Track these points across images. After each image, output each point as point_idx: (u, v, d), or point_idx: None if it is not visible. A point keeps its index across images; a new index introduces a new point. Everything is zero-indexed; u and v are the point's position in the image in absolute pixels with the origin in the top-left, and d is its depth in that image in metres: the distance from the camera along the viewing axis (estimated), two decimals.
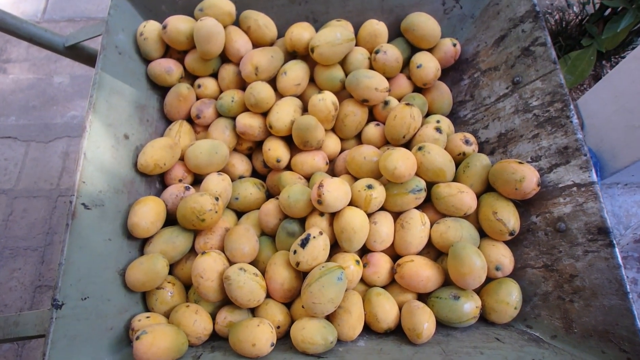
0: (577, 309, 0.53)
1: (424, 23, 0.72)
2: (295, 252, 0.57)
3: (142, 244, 0.65)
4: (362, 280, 0.62)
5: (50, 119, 1.29)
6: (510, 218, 0.59)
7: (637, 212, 1.10)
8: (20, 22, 0.68)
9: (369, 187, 0.61)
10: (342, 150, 0.74)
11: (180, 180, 0.68)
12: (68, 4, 1.52)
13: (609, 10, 1.15)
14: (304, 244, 0.57)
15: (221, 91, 0.74)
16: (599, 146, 1.07)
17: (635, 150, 0.97)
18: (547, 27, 1.32)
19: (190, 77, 0.75)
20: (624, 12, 1.03)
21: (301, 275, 0.60)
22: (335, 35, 0.67)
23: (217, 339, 0.61)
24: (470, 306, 0.57)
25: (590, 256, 0.53)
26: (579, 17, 1.29)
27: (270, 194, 0.72)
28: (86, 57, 0.73)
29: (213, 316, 0.61)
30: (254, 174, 0.76)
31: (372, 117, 0.74)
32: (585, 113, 1.12)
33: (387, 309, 0.57)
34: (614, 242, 0.51)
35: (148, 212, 0.61)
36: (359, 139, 0.74)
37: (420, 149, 0.63)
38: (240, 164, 0.73)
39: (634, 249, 1.04)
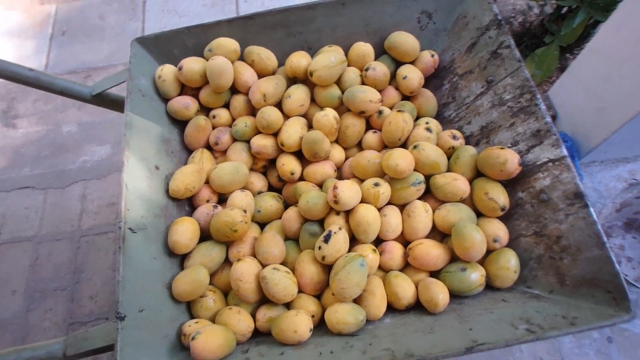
0: (566, 265, 0.62)
1: (405, 40, 0.83)
2: (320, 247, 0.66)
3: (181, 260, 0.73)
4: (380, 268, 0.71)
5: (64, 166, 1.37)
6: (500, 196, 0.69)
7: (616, 185, 1.20)
8: (53, 78, 0.77)
9: (376, 184, 0.70)
10: (346, 158, 0.83)
11: (207, 201, 0.77)
12: (68, 56, 1.62)
13: (565, 8, 1.28)
14: (327, 239, 0.65)
15: (234, 119, 0.84)
16: (573, 130, 1.19)
17: (604, 129, 1.08)
18: (512, 29, 1.46)
19: (205, 109, 0.85)
20: (578, 10, 1.16)
21: (326, 269, 0.69)
22: (329, 59, 0.78)
23: (259, 335, 0.68)
24: (476, 276, 0.65)
25: (571, 218, 0.62)
26: (540, 18, 1.43)
27: (288, 204, 0.81)
28: (110, 102, 0.82)
29: (252, 316, 0.68)
30: (270, 189, 0.85)
31: (369, 127, 0.84)
32: (557, 102, 1.24)
33: (405, 287, 0.66)
34: (588, 203, 0.61)
35: (185, 231, 0.69)
36: (360, 146, 0.84)
37: (415, 147, 0.72)
38: (258, 181, 0.82)
39: (617, 218, 1.14)
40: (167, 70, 0.80)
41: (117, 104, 0.83)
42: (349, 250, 0.69)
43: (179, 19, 1.69)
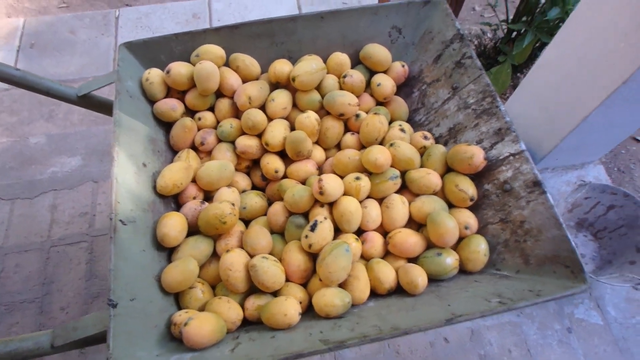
0: (530, 246, 0.69)
1: (378, 51, 0.91)
2: (306, 236, 0.69)
3: (169, 254, 0.74)
4: (362, 257, 0.75)
5: (32, 177, 1.33)
6: (469, 188, 0.76)
7: (566, 190, 1.32)
8: (39, 78, 0.78)
9: (357, 178, 0.75)
10: (327, 159, 0.88)
11: (194, 198, 0.79)
12: (37, 69, 1.59)
13: (515, 33, 1.43)
14: (313, 228, 0.69)
15: (218, 122, 0.87)
16: (526, 140, 1.30)
17: (554, 138, 1.20)
18: None
19: (190, 112, 0.88)
20: (526, 33, 1.30)
21: (312, 258, 0.72)
22: (311, 65, 0.84)
23: (248, 324, 0.70)
24: (451, 260, 0.71)
25: (531, 204, 0.70)
26: (493, 41, 1.58)
27: (271, 202, 0.84)
28: (96, 104, 0.84)
29: (241, 307, 0.70)
30: (254, 188, 0.88)
31: (347, 129, 0.90)
32: (512, 114, 1.36)
33: (387, 273, 0.70)
34: (546, 190, 0.69)
35: (174, 224, 0.71)
36: (339, 148, 0.89)
37: (392, 145, 0.79)
38: (242, 180, 0.85)
39: (569, 219, 1.25)
40: (154, 73, 0.83)
41: (102, 107, 0.85)
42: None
43: (152, 36, 1.72)
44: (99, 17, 1.75)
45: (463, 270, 0.74)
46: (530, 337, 1.12)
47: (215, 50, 0.84)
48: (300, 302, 0.69)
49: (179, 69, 0.82)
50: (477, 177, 0.79)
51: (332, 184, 0.71)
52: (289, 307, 0.64)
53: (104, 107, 0.85)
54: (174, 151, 0.86)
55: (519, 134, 0.74)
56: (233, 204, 0.73)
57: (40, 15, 1.76)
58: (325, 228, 0.70)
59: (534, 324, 1.14)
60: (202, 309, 0.69)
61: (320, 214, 0.73)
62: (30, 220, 1.23)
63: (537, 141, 1.27)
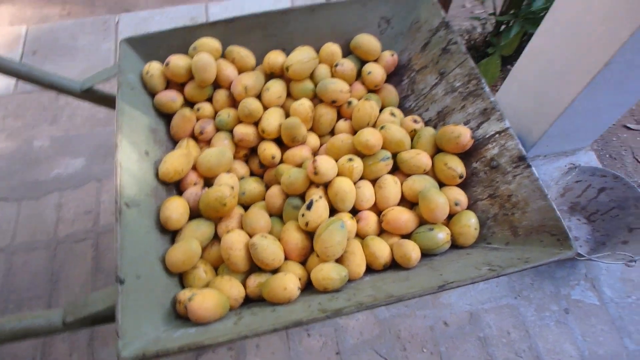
0: (517, 218, 0.72)
1: (368, 41, 0.94)
2: (303, 215, 0.72)
3: (172, 237, 0.77)
4: (357, 235, 0.78)
5: (37, 178, 1.37)
6: (457, 166, 0.79)
7: (558, 175, 1.35)
8: (44, 73, 0.82)
9: (350, 159, 0.78)
10: (321, 145, 0.91)
11: (195, 184, 0.82)
12: None
13: (503, 25, 1.47)
14: (309, 207, 0.72)
15: (216, 112, 0.91)
16: (518, 129, 1.34)
17: (543, 123, 1.23)
18: None
19: (189, 103, 0.91)
20: (513, 24, 1.34)
21: (309, 237, 0.75)
22: (303, 55, 0.87)
23: (250, 302, 0.73)
24: (442, 234, 0.74)
25: (517, 178, 0.73)
26: (483, 35, 1.62)
27: (269, 188, 0.87)
28: (99, 98, 0.87)
29: (243, 285, 0.73)
30: (251, 175, 0.91)
31: (339, 117, 0.93)
32: (502, 105, 1.39)
33: (382, 248, 0.73)
34: (530, 164, 0.72)
35: (177, 207, 0.74)
36: (332, 134, 0.93)
37: (382, 127, 0.82)
38: (241, 168, 0.88)
39: (562, 203, 1.28)
40: (154, 67, 0.86)
41: (105, 100, 0.88)
42: None
43: None
44: (99, 23, 1.80)
45: (455, 245, 0.77)
46: (528, 318, 1.14)
47: (211, 43, 0.88)
48: (300, 279, 0.71)
49: (178, 61, 0.86)
50: (466, 156, 0.82)
51: (326, 165, 0.74)
52: (288, 281, 0.67)
53: (106, 101, 0.89)
54: (174, 141, 0.90)
55: (510, 124, 0.77)
56: (232, 187, 0.76)
57: (42, 22, 1.81)
58: (321, 206, 0.73)
59: (532, 306, 1.16)
60: (204, 288, 0.72)
61: (316, 194, 0.76)
62: (36, 219, 1.26)
63: (528, 129, 1.30)
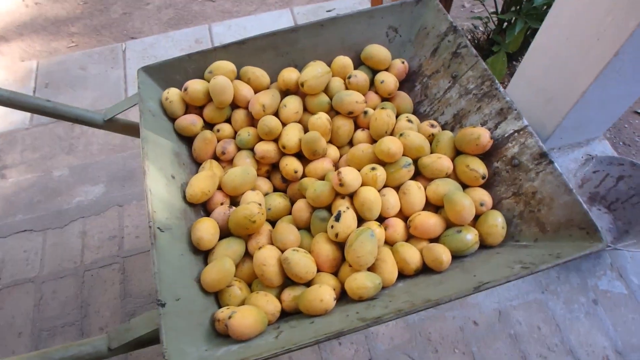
0: (544, 214, 0.73)
1: (378, 51, 0.96)
2: (332, 226, 0.74)
3: (204, 257, 0.78)
4: (386, 242, 0.79)
5: (59, 207, 1.39)
6: (479, 167, 0.80)
7: (575, 167, 1.35)
8: (68, 107, 0.84)
9: (373, 169, 0.80)
10: (340, 156, 0.92)
11: (221, 204, 0.84)
12: None
13: (506, 22, 1.49)
14: (337, 218, 0.74)
15: (235, 132, 0.93)
16: (529, 123, 1.34)
17: (555, 117, 1.24)
18: None
19: (209, 125, 0.93)
20: (516, 21, 1.36)
21: (339, 247, 0.76)
22: (317, 70, 0.89)
23: (286, 315, 0.74)
24: (471, 236, 0.75)
25: (541, 175, 0.74)
26: (486, 34, 1.63)
27: (293, 201, 0.89)
28: (121, 127, 0.90)
29: (277, 299, 0.74)
30: (275, 191, 0.93)
31: (356, 127, 0.95)
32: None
33: (412, 254, 0.74)
34: (553, 160, 0.73)
35: (208, 228, 0.76)
36: (351, 144, 0.94)
37: (401, 135, 0.83)
38: (264, 184, 0.90)
39: (581, 194, 1.28)
40: (172, 92, 0.88)
41: (127, 129, 0.91)
42: None
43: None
44: (106, 52, 1.84)
45: (483, 245, 0.78)
46: (558, 312, 1.14)
47: (226, 65, 0.90)
48: (334, 289, 0.72)
49: (195, 85, 0.88)
50: (486, 157, 0.83)
51: (351, 175, 0.76)
52: (324, 293, 0.68)
53: (128, 129, 0.91)
54: (197, 163, 0.92)
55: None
56: (260, 204, 0.78)
57: (51, 56, 1.85)
58: (349, 217, 0.74)
59: (560, 300, 1.16)
60: (241, 305, 0.73)
61: (343, 205, 0.77)
62: (62, 248, 1.28)
63: (540, 123, 1.31)
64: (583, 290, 1.16)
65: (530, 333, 1.11)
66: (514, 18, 1.40)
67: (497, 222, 0.75)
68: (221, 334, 0.70)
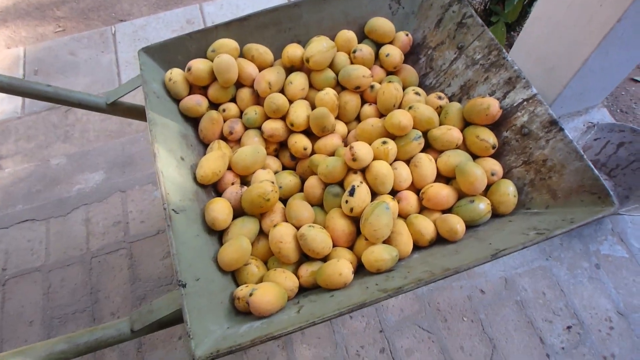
0: (555, 181, 0.74)
1: (382, 24, 0.95)
2: (347, 201, 0.74)
3: (219, 237, 0.78)
4: (400, 216, 0.79)
5: (60, 195, 1.38)
6: (489, 137, 0.80)
7: (575, 135, 1.36)
8: (70, 92, 0.82)
9: (384, 142, 0.79)
10: (349, 131, 0.92)
11: (232, 184, 0.83)
12: None
13: None
14: (352, 193, 0.74)
15: (241, 111, 0.91)
16: None
17: (557, 86, 1.24)
18: None
19: (214, 105, 0.92)
20: None
21: (354, 222, 0.77)
22: (322, 45, 0.88)
23: (303, 291, 0.75)
24: (483, 205, 0.75)
25: (551, 142, 0.74)
26: (482, 4, 1.61)
27: (303, 179, 0.89)
28: (124, 110, 0.88)
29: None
30: (284, 169, 0.92)
31: (363, 102, 0.94)
32: None
33: (426, 225, 0.75)
34: (563, 127, 0.73)
35: (221, 208, 0.75)
36: (358, 119, 0.93)
37: (410, 107, 0.83)
38: (273, 163, 0.89)
39: None
40: (176, 73, 0.87)
41: (131, 112, 0.89)
42: None
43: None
44: (96, 36, 1.78)
45: (496, 215, 0.79)
46: (562, 278, 1.17)
47: (229, 43, 0.88)
48: (351, 263, 0.73)
49: (199, 65, 0.86)
50: (495, 127, 0.83)
51: (363, 150, 0.76)
52: (343, 267, 0.69)
53: (132, 112, 0.90)
54: (204, 144, 0.91)
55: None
56: (272, 182, 0.77)
57: (38, 42, 1.80)
58: (363, 191, 0.74)
59: (563, 266, 1.18)
60: (258, 283, 0.73)
61: (356, 180, 0.77)
62: (67, 236, 1.27)
63: (541, 92, 1.31)
64: (586, 256, 1.19)
65: (535, 299, 1.14)
66: None
67: (508, 191, 0.76)
68: (241, 312, 0.71)
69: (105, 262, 1.22)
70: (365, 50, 0.92)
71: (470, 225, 0.77)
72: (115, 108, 0.87)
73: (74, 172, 1.44)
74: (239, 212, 0.80)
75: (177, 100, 0.89)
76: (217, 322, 0.66)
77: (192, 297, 0.64)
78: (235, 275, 0.76)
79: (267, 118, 0.89)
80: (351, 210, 0.74)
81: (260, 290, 0.66)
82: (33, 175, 1.45)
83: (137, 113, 0.91)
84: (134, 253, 1.23)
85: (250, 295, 0.66)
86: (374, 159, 0.79)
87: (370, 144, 0.82)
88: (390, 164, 0.80)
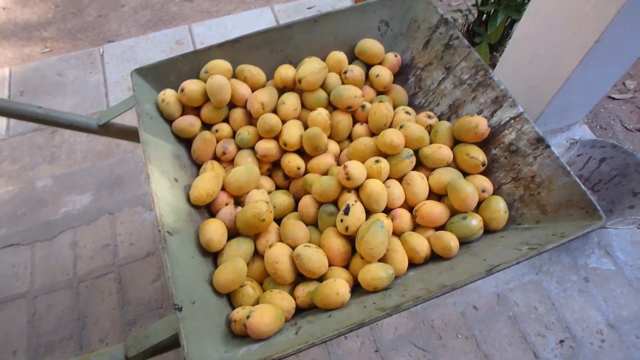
0: (544, 197, 0.75)
1: (371, 45, 0.97)
2: (342, 220, 0.74)
3: (214, 259, 0.78)
4: (394, 234, 0.80)
5: (46, 218, 1.35)
6: (479, 154, 0.82)
7: (559, 151, 1.40)
8: (61, 113, 0.82)
9: (377, 161, 0.81)
10: (341, 150, 0.93)
11: (226, 204, 0.83)
12: None
13: (485, 14, 1.52)
14: (346, 211, 0.74)
15: (234, 131, 0.92)
16: None
17: (539, 104, 1.28)
18: None
19: (206, 126, 0.92)
20: (497, 13, 1.39)
21: (349, 240, 0.77)
22: (314, 66, 0.89)
23: (300, 311, 0.74)
24: (476, 221, 0.77)
25: (539, 159, 0.76)
26: (466, 26, 1.67)
27: (296, 198, 0.89)
28: (116, 131, 0.88)
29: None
30: (277, 189, 0.92)
31: (354, 121, 0.96)
32: None
33: (421, 242, 0.75)
34: (549, 144, 0.75)
35: (216, 229, 0.75)
36: (350, 139, 0.95)
37: (402, 126, 0.85)
38: (266, 183, 0.89)
39: None
40: (169, 94, 0.87)
41: (123, 133, 0.89)
42: None
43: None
44: (84, 57, 1.78)
45: (487, 230, 0.80)
46: (552, 292, 1.18)
47: (222, 64, 0.89)
48: (347, 282, 0.73)
49: (192, 86, 0.87)
50: (484, 145, 0.85)
51: (357, 169, 0.77)
52: (339, 286, 0.69)
53: (124, 133, 0.89)
54: (197, 165, 0.90)
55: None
56: (267, 202, 0.77)
57: (24, 62, 1.78)
58: (358, 210, 0.75)
59: (553, 280, 1.20)
60: (255, 304, 0.73)
61: (350, 198, 0.78)
62: (53, 260, 1.24)
63: (524, 109, 1.35)
64: (574, 269, 1.21)
65: (528, 313, 1.15)
66: (493, 10, 1.43)
67: (499, 207, 0.78)
68: (238, 335, 0.70)
69: (93, 287, 1.19)
70: (356, 70, 0.94)
71: (464, 242, 0.78)
72: (107, 129, 0.87)
73: (61, 194, 1.42)
74: (233, 232, 0.79)
75: (169, 120, 0.89)
76: (214, 346, 0.65)
77: (189, 321, 0.62)
78: (230, 297, 0.75)
79: (260, 138, 0.90)
80: (346, 229, 0.74)
81: (258, 312, 0.65)
82: (18, 197, 1.42)
83: (129, 134, 0.91)
84: (123, 277, 1.20)
85: (248, 317, 0.65)
86: (367, 177, 0.80)
87: (362, 163, 0.83)
88: (383, 182, 0.81)
